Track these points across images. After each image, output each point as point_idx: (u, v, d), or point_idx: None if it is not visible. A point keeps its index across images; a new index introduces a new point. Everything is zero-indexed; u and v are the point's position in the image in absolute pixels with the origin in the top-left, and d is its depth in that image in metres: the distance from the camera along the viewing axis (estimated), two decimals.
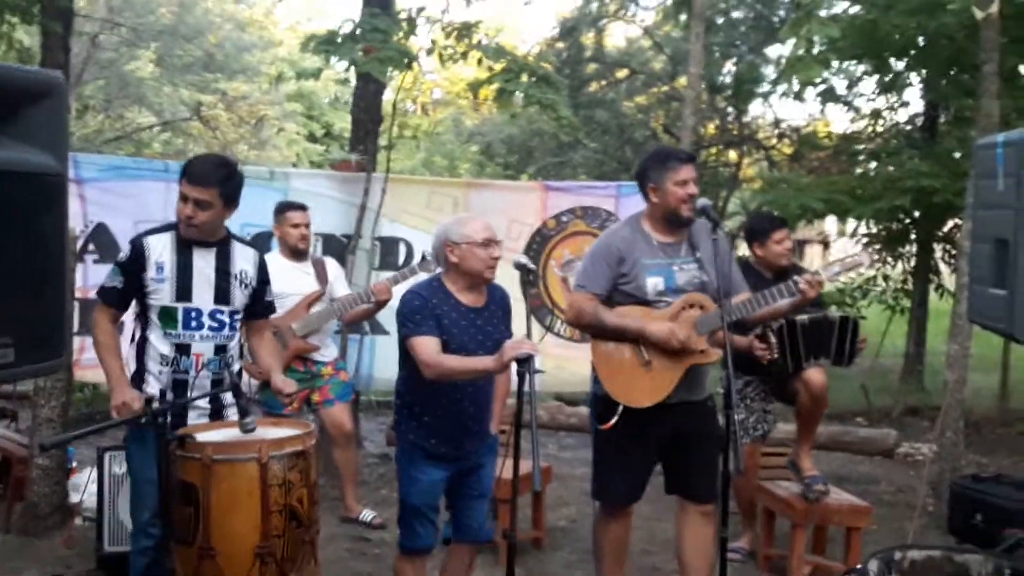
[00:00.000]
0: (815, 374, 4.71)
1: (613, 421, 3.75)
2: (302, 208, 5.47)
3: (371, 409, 8.92)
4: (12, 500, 5.32)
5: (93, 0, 6.96)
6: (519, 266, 3.63)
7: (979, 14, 5.67)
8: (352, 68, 6.01)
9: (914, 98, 14.25)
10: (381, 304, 5.31)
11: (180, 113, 14.40)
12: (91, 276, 6.04)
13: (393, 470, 6.90)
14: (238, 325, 3.78)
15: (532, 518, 5.30)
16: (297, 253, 5.41)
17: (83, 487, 5.18)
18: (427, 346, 3.51)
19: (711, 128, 13.90)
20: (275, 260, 5.39)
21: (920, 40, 8.90)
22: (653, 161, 3.89)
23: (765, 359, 4.71)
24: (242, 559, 3.13)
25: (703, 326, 3.73)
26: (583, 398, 8.00)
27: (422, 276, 4.82)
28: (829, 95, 10.90)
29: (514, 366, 3.30)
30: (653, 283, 3.77)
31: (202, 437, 3.28)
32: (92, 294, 6.03)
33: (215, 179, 3.57)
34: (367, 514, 5.59)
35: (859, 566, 3.50)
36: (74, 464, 5.72)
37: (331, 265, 5.64)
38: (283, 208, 5.47)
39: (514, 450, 3.40)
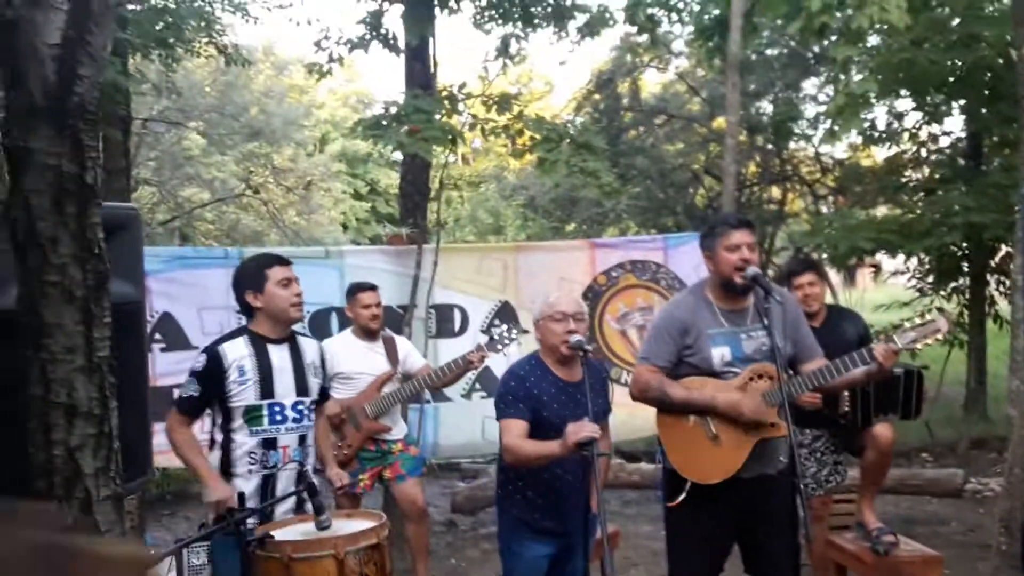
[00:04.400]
0: (883, 430, 4.70)
1: (681, 498, 3.67)
2: (372, 288, 5.59)
3: (433, 472, 9.00)
4: None
5: (140, 84, 7.22)
6: (576, 347, 3.70)
7: (1016, 54, 5.68)
8: (399, 149, 6.16)
9: (956, 126, 14.13)
10: (472, 368, 5.49)
11: (229, 184, 14.74)
12: (159, 365, 6.23)
13: (461, 538, 7.02)
14: (314, 415, 3.94)
15: None
16: (369, 333, 5.53)
17: None
18: (511, 430, 3.67)
19: (752, 167, 13.91)
20: (347, 340, 5.56)
21: (958, 71, 8.89)
22: (708, 229, 3.85)
23: (808, 406, 4.72)
24: None
25: (772, 398, 3.57)
26: (644, 453, 8.03)
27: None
28: (870, 137, 10.88)
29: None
30: (719, 353, 3.65)
31: (280, 535, 3.37)
32: (160, 382, 6.32)
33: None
34: None
35: None
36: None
37: (401, 343, 5.73)
38: (354, 290, 5.60)
39: (579, 530, 3.49)
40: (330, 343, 5.66)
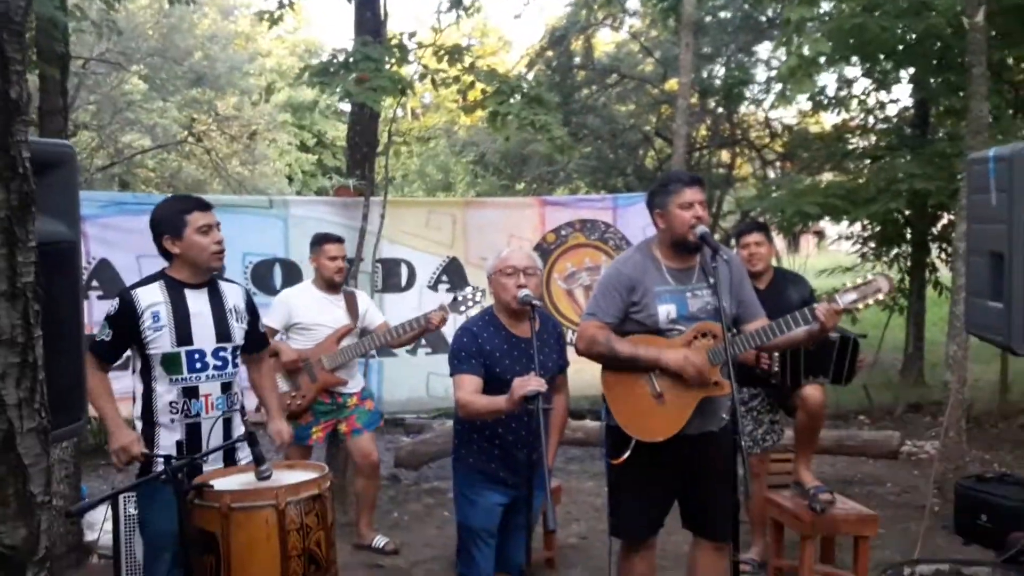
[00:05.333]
0: (813, 392, 4.75)
1: (625, 456, 3.68)
2: (339, 240, 5.51)
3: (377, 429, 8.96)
4: None
5: (80, 22, 6.93)
6: (524, 302, 3.68)
7: (968, 22, 5.71)
8: (347, 98, 6.03)
9: (904, 94, 14.34)
10: (432, 330, 5.40)
11: (172, 131, 14.40)
12: (96, 312, 6.08)
13: (404, 492, 7.01)
14: (239, 361, 3.81)
15: (543, 537, 5.35)
16: (331, 285, 5.47)
17: (99, 525, 5.22)
18: (464, 385, 3.70)
19: (702, 130, 13.93)
20: (308, 291, 5.50)
21: (908, 38, 8.96)
22: (658, 186, 3.83)
23: (764, 368, 4.78)
24: None
25: (716, 356, 3.61)
26: (588, 410, 8.07)
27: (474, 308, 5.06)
28: (820, 102, 10.95)
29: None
30: (665, 311, 3.66)
31: (219, 485, 3.31)
32: (96, 330, 6.15)
33: None
34: (380, 540, 5.63)
35: None
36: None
37: (361, 297, 5.68)
38: (320, 240, 5.51)
39: (527, 484, 3.49)
40: (289, 293, 5.61)
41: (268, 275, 6.54)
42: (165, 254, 3.66)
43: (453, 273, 7.07)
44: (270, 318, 5.33)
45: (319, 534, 3.32)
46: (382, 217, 6.55)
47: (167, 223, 3.62)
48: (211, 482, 3.30)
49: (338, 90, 5.77)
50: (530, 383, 3.37)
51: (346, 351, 5.39)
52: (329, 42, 29.11)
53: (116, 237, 6.17)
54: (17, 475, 1.93)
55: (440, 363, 6.39)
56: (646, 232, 5.87)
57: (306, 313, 5.39)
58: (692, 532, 3.97)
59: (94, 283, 6.15)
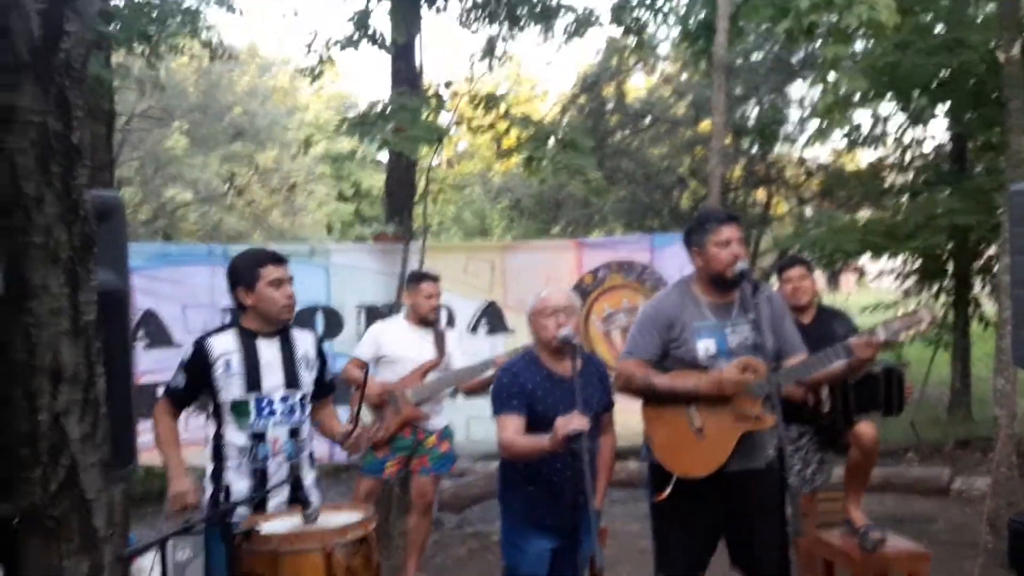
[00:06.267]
0: (866, 429, 4.70)
1: (667, 492, 3.65)
2: (436, 279, 5.60)
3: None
4: None
5: (124, 80, 7.15)
6: (565, 340, 3.69)
7: (1002, 56, 5.70)
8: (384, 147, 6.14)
9: (940, 130, 14.31)
10: None
11: (213, 185, 14.69)
12: (141, 362, 6.19)
13: (447, 536, 6.99)
14: (308, 408, 3.88)
15: None
16: (425, 322, 5.54)
17: (146, 573, 5.25)
18: (506, 426, 3.68)
19: (737, 171, 13.93)
20: (399, 325, 5.59)
21: (943, 73, 8.94)
22: (695, 224, 3.84)
23: (812, 406, 4.73)
24: None
25: (759, 389, 3.59)
26: (631, 451, 8.01)
27: None
28: (855, 140, 10.93)
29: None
30: (704, 346, 3.66)
31: (267, 529, 3.34)
32: (142, 380, 6.26)
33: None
34: None
35: None
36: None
37: (451, 336, 5.74)
38: (418, 278, 5.61)
39: (573, 528, 3.46)
40: (381, 326, 5.71)
41: (310, 323, 6.60)
42: (239, 305, 3.77)
43: (492, 317, 7.10)
44: (360, 350, 5.51)
45: None
46: (421, 263, 6.62)
47: (241, 275, 3.74)
48: (260, 526, 3.33)
49: (376, 139, 5.88)
50: (572, 422, 3.35)
51: (432, 385, 5.45)
52: (363, 94, 29.57)
53: (161, 288, 6.29)
54: (80, 510, 1.98)
55: (480, 407, 6.36)
56: (683, 272, 5.83)
57: (395, 346, 5.47)
58: (741, 570, 3.91)
59: (140, 334, 6.25)
